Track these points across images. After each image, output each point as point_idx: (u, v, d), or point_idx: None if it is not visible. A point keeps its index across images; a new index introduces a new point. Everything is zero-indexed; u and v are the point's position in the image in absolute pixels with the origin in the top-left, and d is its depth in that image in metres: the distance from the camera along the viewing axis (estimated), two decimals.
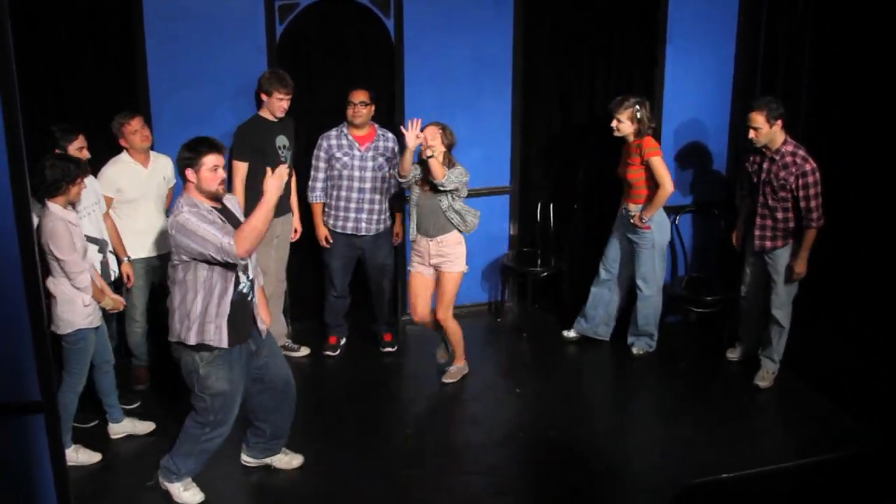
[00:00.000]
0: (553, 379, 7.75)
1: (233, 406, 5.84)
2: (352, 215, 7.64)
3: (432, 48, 8.03)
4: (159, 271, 7.21)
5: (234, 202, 5.92)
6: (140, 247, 7.11)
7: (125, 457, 6.52)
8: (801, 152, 6.90)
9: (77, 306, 6.12)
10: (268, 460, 6.31)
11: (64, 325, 6.12)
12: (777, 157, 6.95)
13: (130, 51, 7.31)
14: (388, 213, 7.78)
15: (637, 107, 7.31)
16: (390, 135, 7.72)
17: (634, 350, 7.95)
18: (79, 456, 6.30)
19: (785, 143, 6.94)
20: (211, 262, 5.45)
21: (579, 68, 8.25)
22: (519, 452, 6.73)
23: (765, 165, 7.05)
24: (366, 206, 7.62)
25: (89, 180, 6.57)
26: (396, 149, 7.67)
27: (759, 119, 6.87)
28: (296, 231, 7.82)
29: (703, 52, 7.87)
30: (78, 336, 6.18)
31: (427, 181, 7.02)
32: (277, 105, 7.26)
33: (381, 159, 7.60)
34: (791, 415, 7.11)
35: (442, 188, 6.92)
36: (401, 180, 7.08)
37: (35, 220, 4.96)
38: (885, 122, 6.85)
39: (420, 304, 7.36)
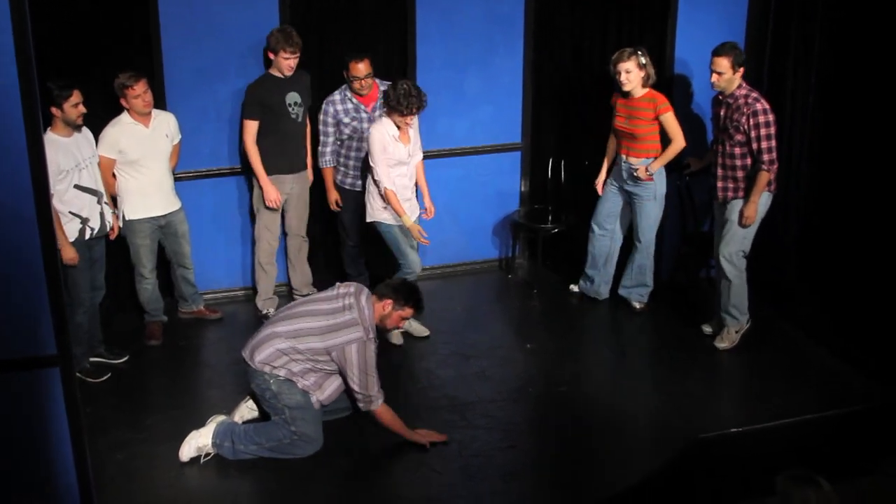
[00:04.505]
0: (563, 335, 7.79)
1: (313, 421, 6.08)
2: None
3: (444, 4, 8.01)
4: (166, 230, 7.30)
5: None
6: (145, 206, 7.16)
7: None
8: (754, 94, 6.95)
9: (377, 202, 7.13)
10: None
11: (369, 216, 7.25)
12: (731, 101, 6.99)
13: (143, 7, 7.28)
14: None
15: (640, 53, 7.35)
16: None
17: (637, 305, 7.98)
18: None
19: (739, 87, 6.98)
20: (345, 380, 6.07)
21: (591, 24, 8.22)
22: (528, 407, 6.78)
23: (721, 112, 7.10)
24: None
25: (86, 133, 6.72)
26: None
27: (724, 64, 6.90)
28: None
29: (715, 7, 7.82)
30: (381, 228, 7.25)
31: None
32: (285, 63, 7.23)
33: None
34: (800, 371, 7.13)
35: None
36: None
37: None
38: None
39: None
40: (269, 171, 7.47)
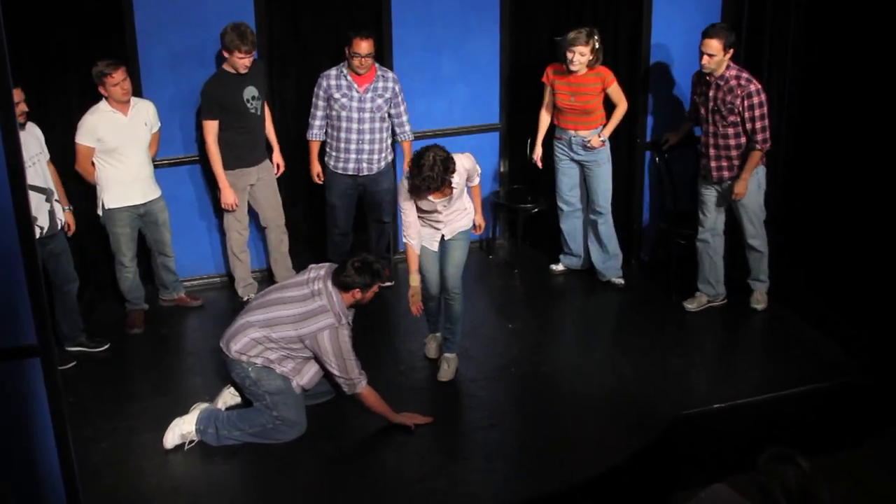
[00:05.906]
0: (545, 314, 7.82)
1: (294, 405, 6.11)
2: (353, 156, 7.62)
3: None
4: (146, 218, 7.27)
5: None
6: (125, 195, 7.14)
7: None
8: (745, 75, 6.99)
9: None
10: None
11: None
12: (722, 83, 7.02)
13: None
14: (388, 151, 7.76)
15: (596, 37, 7.42)
16: (390, 74, 7.67)
17: (618, 282, 8.05)
18: None
19: (728, 68, 7.01)
20: (324, 366, 6.09)
21: (567, 4, 8.21)
22: (511, 387, 6.80)
23: (710, 93, 7.10)
24: (366, 146, 7.60)
25: (33, 129, 6.60)
26: (397, 88, 7.65)
27: (715, 45, 6.92)
28: (278, 167, 7.80)
29: None
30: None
31: None
32: (240, 63, 7.18)
33: (379, 101, 7.56)
34: (782, 346, 7.17)
35: None
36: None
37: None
38: (876, 60, 6.84)
39: None
40: (233, 165, 7.44)
